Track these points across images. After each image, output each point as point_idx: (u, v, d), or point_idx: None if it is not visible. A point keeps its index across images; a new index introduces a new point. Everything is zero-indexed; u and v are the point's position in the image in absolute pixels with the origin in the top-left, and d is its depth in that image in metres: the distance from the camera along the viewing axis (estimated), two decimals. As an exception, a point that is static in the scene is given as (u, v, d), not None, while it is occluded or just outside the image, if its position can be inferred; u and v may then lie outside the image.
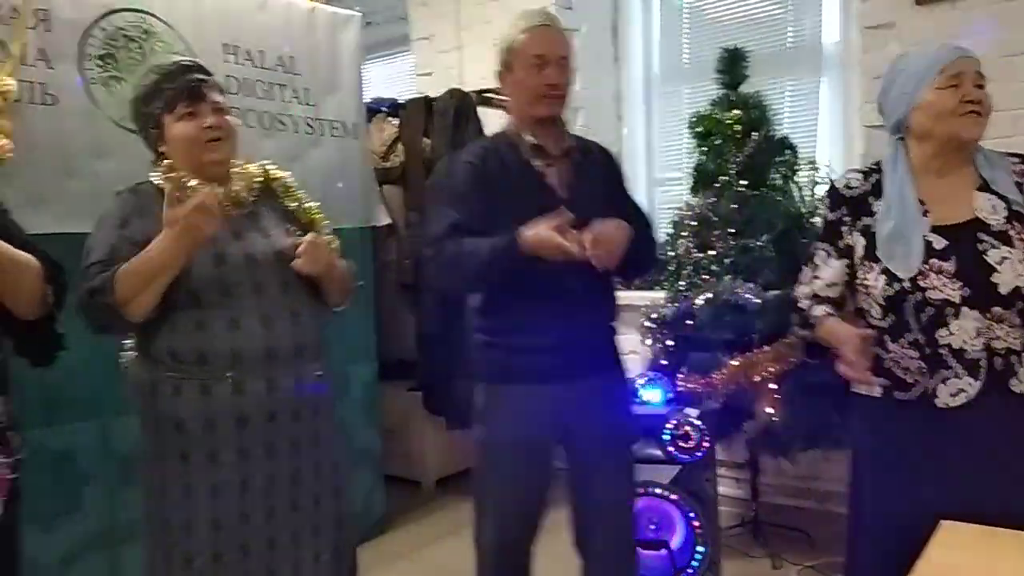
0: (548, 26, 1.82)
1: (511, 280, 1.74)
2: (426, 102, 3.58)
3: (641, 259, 1.88)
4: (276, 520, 1.68)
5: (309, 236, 1.73)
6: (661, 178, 3.83)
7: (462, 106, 3.47)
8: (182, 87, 1.67)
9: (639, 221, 1.84)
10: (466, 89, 3.55)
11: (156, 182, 1.70)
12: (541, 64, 1.78)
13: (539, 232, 1.63)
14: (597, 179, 1.89)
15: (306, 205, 1.84)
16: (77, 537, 2.24)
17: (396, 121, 3.66)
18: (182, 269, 1.58)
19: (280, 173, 1.86)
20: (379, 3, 4.27)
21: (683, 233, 2.91)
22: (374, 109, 3.60)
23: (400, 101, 3.71)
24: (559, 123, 1.88)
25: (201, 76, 1.71)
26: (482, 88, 3.51)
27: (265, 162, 1.86)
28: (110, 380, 2.19)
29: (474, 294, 1.88)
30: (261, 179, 1.80)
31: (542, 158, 1.83)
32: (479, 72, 3.60)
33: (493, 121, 3.46)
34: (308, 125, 2.84)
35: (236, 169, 1.77)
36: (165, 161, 1.69)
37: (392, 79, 4.54)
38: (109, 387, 2.21)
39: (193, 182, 1.66)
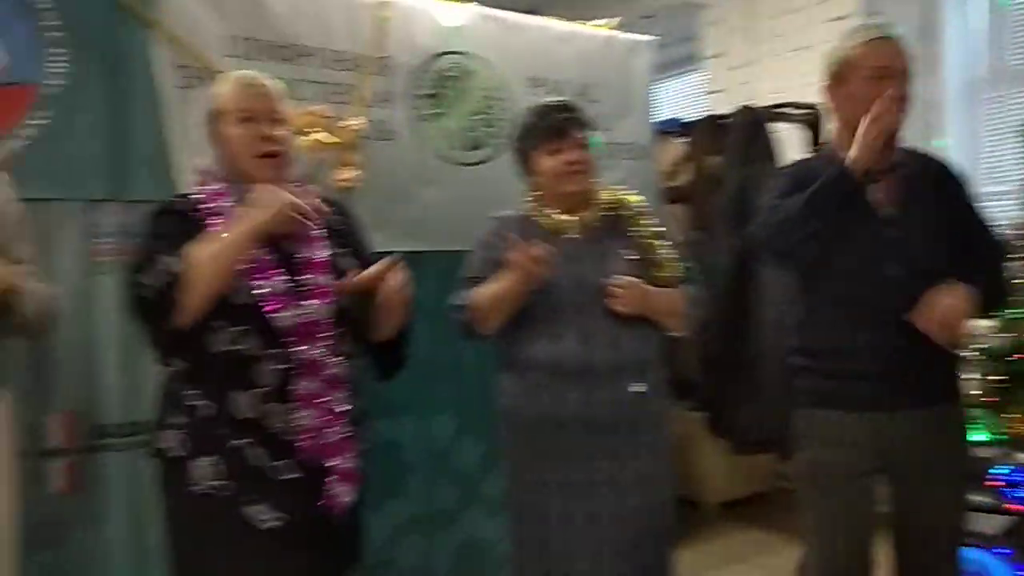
0: (888, 38, 1.77)
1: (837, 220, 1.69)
2: (715, 120, 3.55)
3: (988, 302, 1.74)
4: (598, 524, 1.80)
5: (624, 280, 1.82)
6: (985, 192, 3.43)
7: (753, 123, 3.40)
8: (548, 126, 1.87)
9: (987, 248, 1.71)
10: (759, 105, 3.48)
11: (521, 209, 1.95)
12: (880, 76, 1.72)
13: None
14: (930, 196, 1.77)
15: (649, 231, 1.93)
16: (399, 520, 2.52)
17: (684, 140, 3.68)
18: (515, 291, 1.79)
19: (633, 198, 1.98)
20: (670, 24, 4.32)
21: (1014, 254, 2.58)
22: (662, 129, 3.65)
23: (688, 120, 3.72)
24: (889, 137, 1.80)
25: (567, 115, 1.89)
26: (775, 104, 3.41)
27: (621, 188, 2.01)
28: (430, 380, 2.48)
29: (803, 252, 1.77)
30: (613, 204, 1.94)
31: (866, 173, 1.74)
32: (774, 87, 3.50)
33: (786, 137, 3.35)
34: (604, 149, 2.95)
35: (595, 197, 1.94)
36: (533, 192, 1.94)
37: (680, 98, 4.57)
38: (428, 387, 2.50)
39: (549, 211, 1.88)
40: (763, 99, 3.55)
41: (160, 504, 1.58)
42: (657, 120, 3.42)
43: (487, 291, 1.82)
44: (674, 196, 3.59)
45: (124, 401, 2.07)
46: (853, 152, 1.68)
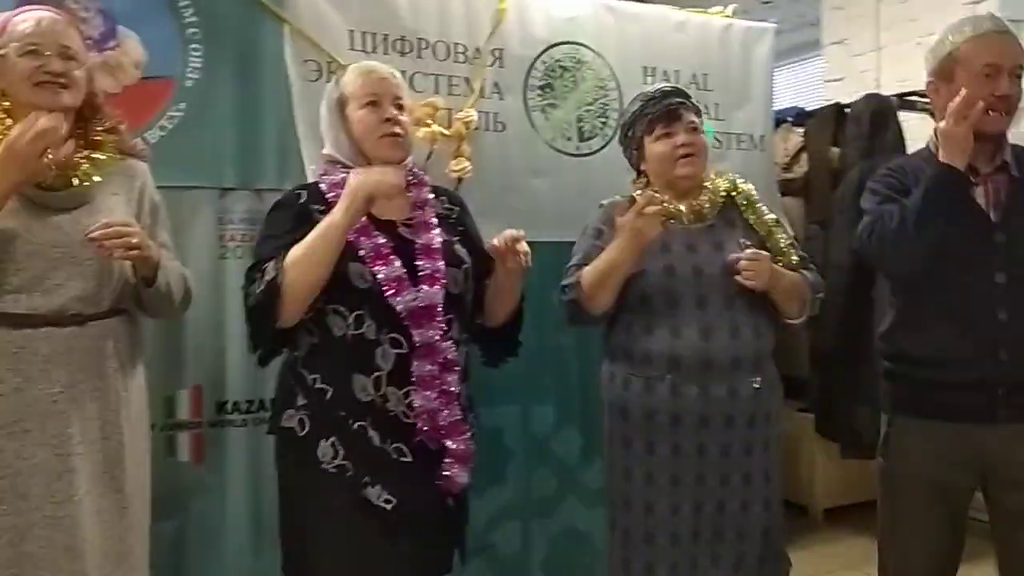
0: (1003, 33, 1.66)
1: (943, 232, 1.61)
2: (837, 109, 3.41)
3: None
4: (702, 517, 1.80)
5: (749, 251, 1.79)
6: None
7: (879, 112, 3.24)
8: (660, 111, 1.85)
9: None
10: (884, 93, 3.31)
11: (631, 195, 1.91)
12: (992, 74, 1.63)
13: None
14: None
15: (764, 217, 1.91)
16: (499, 505, 2.56)
17: (801, 130, 3.55)
18: (636, 275, 1.78)
19: (745, 186, 1.95)
20: (789, 10, 4.16)
21: None
22: (779, 119, 3.53)
23: (807, 109, 3.59)
24: (996, 137, 1.69)
25: (679, 99, 1.88)
26: (903, 92, 3.24)
27: (735, 176, 1.97)
28: (533, 370, 2.50)
29: (913, 266, 1.71)
30: (726, 193, 1.91)
31: (970, 175, 1.66)
32: (900, 74, 3.33)
33: (915, 127, 3.18)
34: (716, 139, 2.88)
35: (707, 183, 1.91)
36: (642, 178, 1.92)
37: (798, 86, 4.41)
38: (531, 376, 2.52)
39: (664, 196, 1.83)
40: (887, 87, 3.39)
41: (279, 481, 1.66)
42: (774, 109, 3.32)
43: (594, 264, 1.80)
44: (790, 188, 3.47)
45: (247, 379, 2.18)
46: (941, 155, 1.61)
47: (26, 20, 1.57)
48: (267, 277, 1.49)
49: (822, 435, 3.38)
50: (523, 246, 1.61)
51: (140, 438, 1.71)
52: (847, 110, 3.36)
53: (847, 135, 3.31)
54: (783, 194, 3.41)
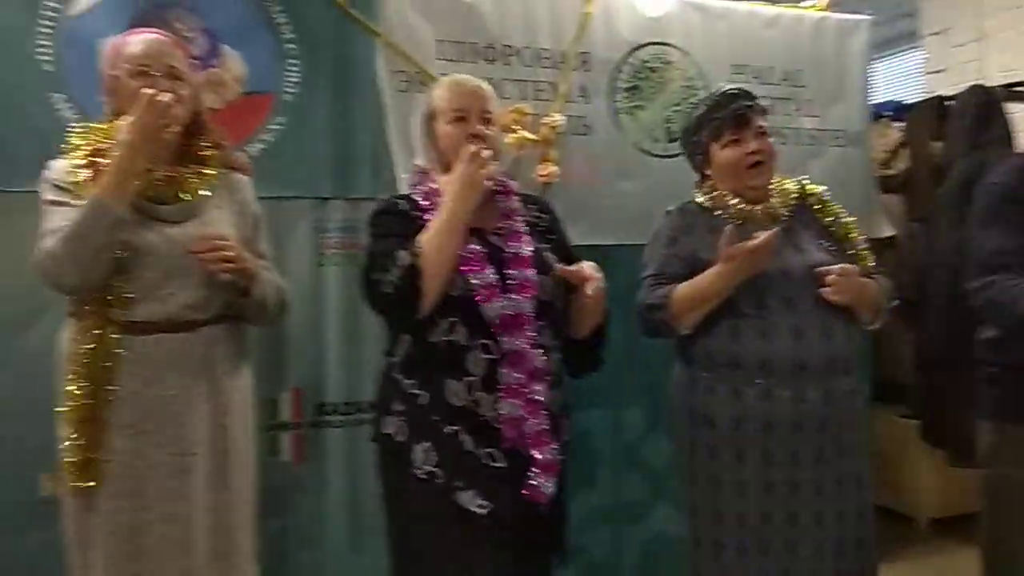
0: None
1: None
2: (938, 102, 3.26)
3: None
4: (799, 527, 1.74)
5: (838, 267, 1.74)
6: None
7: (984, 104, 3.07)
8: (728, 116, 1.82)
9: None
10: (989, 84, 3.15)
11: (699, 201, 1.88)
12: None
13: None
14: None
15: (842, 220, 1.86)
16: (588, 510, 2.55)
17: (900, 125, 3.41)
18: (728, 285, 1.74)
19: (816, 188, 1.91)
20: (885, 1, 4.01)
21: None
22: (876, 113, 3.40)
23: (906, 103, 3.45)
24: None
25: (747, 103, 1.83)
26: (1010, 82, 3.08)
27: (802, 178, 1.94)
28: (622, 373, 2.48)
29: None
30: (797, 195, 1.87)
31: None
32: (1005, 63, 3.16)
33: (1021, 120, 3.02)
34: (810, 137, 2.81)
35: (772, 186, 1.87)
36: (708, 183, 1.88)
37: (896, 79, 4.24)
38: (620, 379, 2.50)
39: (735, 202, 1.81)
40: (991, 78, 3.21)
41: (380, 486, 1.69)
42: (871, 104, 3.21)
43: (691, 287, 1.77)
44: (890, 185, 3.34)
45: (344, 382, 2.25)
46: None
47: (136, 43, 1.66)
48: (404, 262, 1.51)
49: (928, 443, 3.23)
50: (592, 285, 1.60)
51: (246, 438, 1.78)
52: (949, 103, 3.21)
53: (950, 129, 3.15)
54: (883, 191, 3.29)
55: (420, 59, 2.26)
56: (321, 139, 2.22)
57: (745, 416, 1.75)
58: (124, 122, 1.58)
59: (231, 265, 1.63)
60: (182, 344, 1.64)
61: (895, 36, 4.12)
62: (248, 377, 1.82)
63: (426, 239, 1.53)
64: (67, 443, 1.59)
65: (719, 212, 1.85)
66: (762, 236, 1.68)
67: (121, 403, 1.60)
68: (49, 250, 1.55)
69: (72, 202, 1.57)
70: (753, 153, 1.79)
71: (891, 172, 3.37)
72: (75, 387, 1.58)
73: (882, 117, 3.43)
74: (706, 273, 1.75)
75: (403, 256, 1.52)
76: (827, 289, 1.72)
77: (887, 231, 3.09)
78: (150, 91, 1.54)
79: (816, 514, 1.74)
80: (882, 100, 3.56)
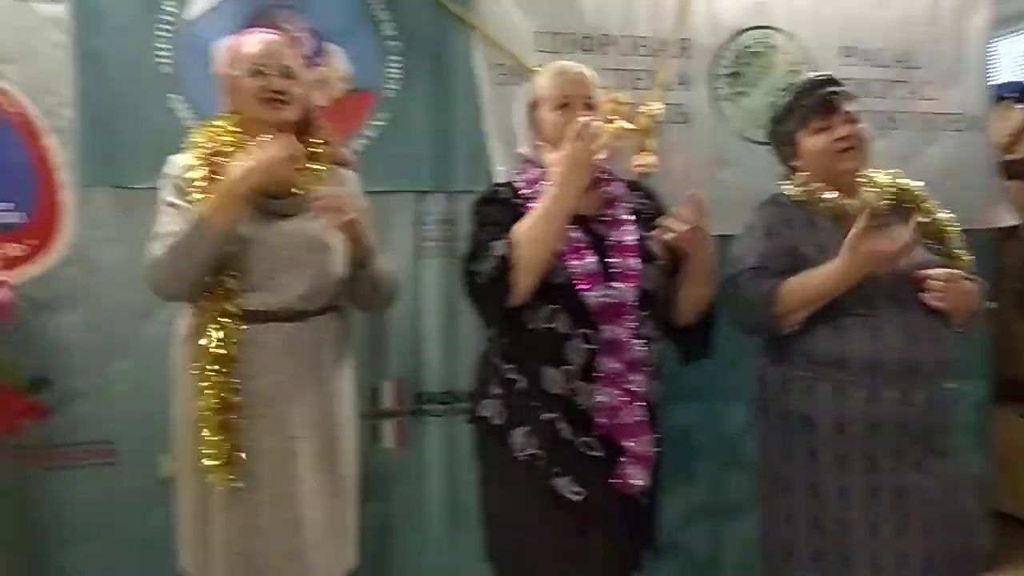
0: None
1: None
2: (1070, 81, 3.04)
3: None
4: (909, 538, 1.67)
5: (944, 272, 1.68)
6: None
7: (1124, 82, 2.85)
8: (815, 103, 1.76)
9: None
10: None
11: (791, 193, 1.82)
12: None
13: None
14: None
15: (938, 217, 1.78)
16: (688, 506, 2.52)
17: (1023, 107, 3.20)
18: (849, 283, 1.67)
19: (910, 183, 1.83)
20: (1008, -27, 3.76)
21: None
22: (997, 95, 3.20)
23: (1032, 83, 3.23)
24: None
25: (834, 89, 1.77)
26: None
27: (893, 171, 1.85)
28: (723, 367, 2.41)
29: None
30: (892, 189, 1.79)
31: None
32: None
33: None
34: (925, 121, 2.66)
35: (861, 178, 1.79)
36: (799, 174, 1.81)
37: (1019, 59, 3.97)
38: (721, 374, 2.44)
39: (831, 195, 1.73)
40: None
41: (477, 469, 1.72)
42: (992, 85, 3.02)
43: (803, 283, 1.70)
44: (1014, 170, 3.13)
45: (443, 372, 2.30)
46: None
47: (254, 43, 1.73)
48: (497, 253, 1.53)
49: (1052, 444, 3.03)
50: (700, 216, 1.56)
51: (350, 424, 1.84)
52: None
53: (1083, 109, 2.94)
54: (1006, 177, 3.09)
55: (518, 51, 2.27)
56: (420, 134, 2.25)
57: (849, 418, 1.68)
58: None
59: (349, 216, 1.68)
60: (293, 333, 1.70)
61: (1018, 13, 3.85)
62: (352, 365, 1.87)
63: (524, 229, 1.53)
64: (205, 441, 1.64)
65: (813, 205, 1.78)
66: (896, 234, 1.62)
67: (239, 389, 1.66)
68: (155, 260, 1.64)
69: (184, 204, 1.65)
70: (843, 139, 1.72)
71: (1014, 157, 3.17)
72: (201, 379, 1.65)
73: (1004, 99, 3.22)
74: (821, 269, 1.68)
75: (497, 247, 1.53)
76: (931, 294, 1.65)
77: (1010, 220, 2.91)
78: (583, 119, 1.53)
79: (922, 523, 1.66)
80: (1004, 81, 3.35)
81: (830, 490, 1.69)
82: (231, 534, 1.67)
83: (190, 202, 1.65)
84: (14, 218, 2.04)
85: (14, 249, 2.03)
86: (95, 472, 2.10)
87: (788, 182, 1.85)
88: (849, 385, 1.68)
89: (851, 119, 1.75)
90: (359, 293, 1.81)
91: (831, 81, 1.80)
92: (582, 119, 1.53)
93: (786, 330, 1.73)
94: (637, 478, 1.58)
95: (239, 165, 1.62)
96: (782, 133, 1.84)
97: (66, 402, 2.10)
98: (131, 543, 2.09)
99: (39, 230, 2.06)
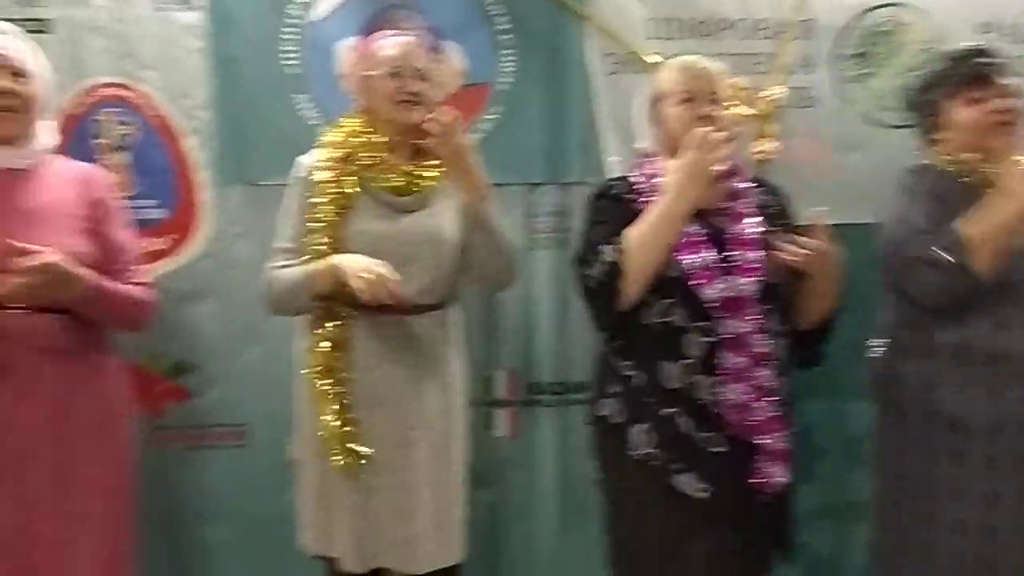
0: None
1: None
2: None
3: None
4: None
5: None
6: None
7: None
8: (970, 72, 1.66)
9: None
10: None
11: (938, 163, 1.74)
12: None
13: None
14: None
15: None
16: (810, 505, 2.41)
17: None
18: None
19: None
20: None
21: None
22: None
23: None
24: None
25: (989, 59, 1.67)
26: None
27: None
28: (847, 364, 2.31)
29: None
30: None
31: None
32: None
33: None
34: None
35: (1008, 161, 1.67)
36: (940, 146, 1.74)
37: None
38: (846, 370, 2.33)
39: (988, 166, 1.64)
40: None
41: (598, 467, 1.71)
42: None
43: (993, 216, 1.56)
44: None
45: (555, 363, 2.31)
46: None
47: (391, 45, 1.77)
48: (607, 259, 1.53)
49: None
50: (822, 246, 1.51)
51: (463, 414, 1.88)
52: None
53: None
54: None
55: (631, 40, 2.24)
56: (534, 126, 2.26)
57: (1004, 418, 1.58)
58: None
59: (459, 141, 1.69)
60: (412, 326, 1.75)
61: None
62: (465, 356, 1.91)
63: (636, 233, 1.52)
64: (327, 426, 1.71)
65: (965, 177, 1.68)
66: None
67: (357, 379, 1.73)
68: (267, 283, 1.76)
69: (298, 214, 1.73)
70: (999, 112, 1.62)
71: None
72: (320, 369, 1.72)
73: None
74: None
75: (607, 252, 1.52)
76: None
77: None
78: (703, 130, 1.55)
79: None
80: None
81: (979, 495, 1.60)
82: (352, 515, 1.73)
83: (314, 204, 1.71)
84: (157, 214, 2.19)
85: (157, 243, 2.18)
86: (229, 453, 2.24)
87: (934, 151, 1.76)
88: (1007, 385, 1.58)
89: (1007, 92, 1.64)
90: (480, 258, 1.78)
91: (986, 51, 1.71)
92: (702, 130, 1.51)
93: (990, 274, 1.58)
94: (779, 476, 1.54)
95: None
96: (927, 103, 1.75)
97: (204, 386, 2.23)
98: (262, 522, 2.20)
99: (179, 225, 2.20)
